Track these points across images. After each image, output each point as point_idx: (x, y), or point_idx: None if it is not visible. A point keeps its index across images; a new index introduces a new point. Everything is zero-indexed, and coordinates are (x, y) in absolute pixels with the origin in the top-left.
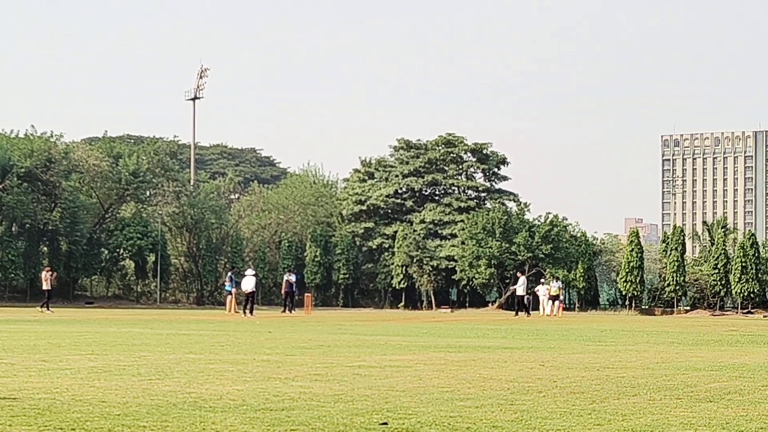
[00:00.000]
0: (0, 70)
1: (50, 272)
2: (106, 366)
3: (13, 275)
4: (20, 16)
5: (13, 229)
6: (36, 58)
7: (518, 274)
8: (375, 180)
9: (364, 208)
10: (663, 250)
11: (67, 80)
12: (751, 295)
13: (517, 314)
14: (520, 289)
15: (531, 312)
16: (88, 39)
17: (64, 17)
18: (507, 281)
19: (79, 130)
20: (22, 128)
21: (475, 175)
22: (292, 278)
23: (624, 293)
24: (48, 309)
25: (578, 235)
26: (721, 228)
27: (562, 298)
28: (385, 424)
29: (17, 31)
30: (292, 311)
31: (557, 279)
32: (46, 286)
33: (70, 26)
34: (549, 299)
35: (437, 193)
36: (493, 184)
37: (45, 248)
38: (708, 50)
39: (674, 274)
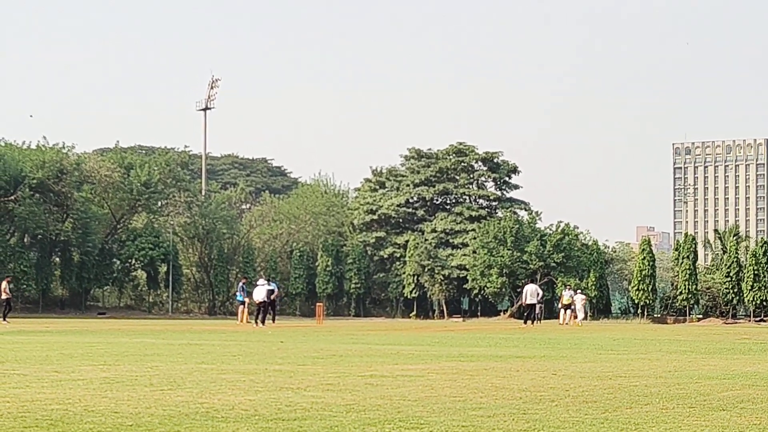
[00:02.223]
0: (12, 81)
1: (10, 282)
2: (119, 376)
3: (25, 286)
4: (31, 27)
5: (25, 240)
6: (47, 69)
7: (528, 281)
8: (386, 189)
9: (375, 217)
10: (675, 259)
11: (79, 91)
12: (764, 303)
13: (525, 323)
14: (530, 297)
15: (541, 321)
16: (100, 50)
17: (76, 28)
18: (519, 290)
19: (90, 141)
20: (34, 139)
21: (486, 184)
22: (272, 286)
23: (636, 302)
24: (5, 320)
25: (590, 243)
26: (733, 236)
27: (573, 307)
28: None
29: (28, 42)
30: (269, 322)
31: (570, 288)
32: (5, 295)
33: (82, 37)
34: (561, 308)
35: (448, 202)
36: (505, 192)
37: (57, 259)
38: (720, 58)
39: (686, 283)
